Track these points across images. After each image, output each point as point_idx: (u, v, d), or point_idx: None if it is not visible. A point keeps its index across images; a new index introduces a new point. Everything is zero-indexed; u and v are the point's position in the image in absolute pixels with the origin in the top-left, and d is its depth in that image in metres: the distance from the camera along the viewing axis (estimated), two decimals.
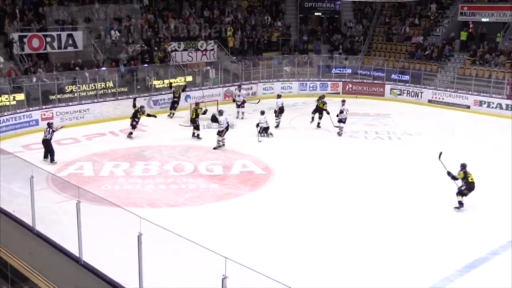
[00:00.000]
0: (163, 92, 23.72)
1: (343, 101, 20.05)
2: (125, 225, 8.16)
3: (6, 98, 19.48)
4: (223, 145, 17.79)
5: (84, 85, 22.02)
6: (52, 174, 13.94)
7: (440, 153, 13.46)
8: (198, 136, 19.07)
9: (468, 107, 24.89)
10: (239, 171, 15.79)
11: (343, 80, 28.39)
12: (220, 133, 17.75)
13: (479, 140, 19.77)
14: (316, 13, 33.49)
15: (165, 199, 13.48)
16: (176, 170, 15.68)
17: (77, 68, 22.69)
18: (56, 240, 8.96)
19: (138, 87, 23.43)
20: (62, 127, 17.63)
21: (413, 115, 23.87)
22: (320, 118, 20.91)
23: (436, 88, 26.39)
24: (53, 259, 8.88)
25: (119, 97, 22.58)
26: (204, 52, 26.76)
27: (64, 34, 23.08)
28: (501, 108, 23.89)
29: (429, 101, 26.20)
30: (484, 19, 27.83)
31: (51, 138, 16.12)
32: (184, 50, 26.25)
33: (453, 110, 24.91)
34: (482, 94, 24.73)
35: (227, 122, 18.06)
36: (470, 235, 11.63)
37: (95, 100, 22.00)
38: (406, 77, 27.26)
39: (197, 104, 19.83)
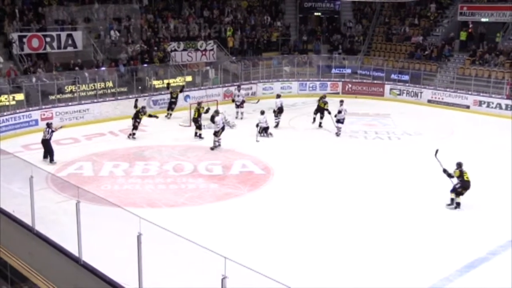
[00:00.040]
0: (162, 92, 23.71)
1: (341, 101, 20.06)
2: (124, 225, 8.16)
3: (6, 98, 19.48)
4: (219, 145, 17.79)
5: (83, 85, 22.03)
6: (51, 174, 13.95)
7: (437, 151, 13.54)
8: (200, 136, 19.07)
9: (468, 107, 24.90)
10: (238, 171, 15.79)
11: (343, 80, 28.39)
12: (216, 134, 17.75)
13: (479, 140, 19.78)
14: (315, 13, 33.49)
15: (165, 199, 13.48)
16: (176, 170, 15.68)
17: (76, 68, 22.69)
18: (55, 240, 8.95)
19: (140, 87, 23.45)
20: (61, 127, 17.64)
21: (413, 115, 23.88)
22: (321, 118, 20.97)
23: (436, 88, 26.39)
24: (53, 259, 8.88)
25: (119, 97, 22.58)
26: (203, 52, 26.75)
27: (63, 34, 23.07)
28: (500, 108, 23.90)
29: (429, 101, 26.20)
30: (483, 19, 27.82)
31: (50, 138, 16.12)
32: (184, 50, 26.25)
33: (452, 110, 24.92)
34: (481, 94, 24.74)
35: (223, 123, 18.11)
36: (469, 235, 11.64)
37: (95, 100, 22.00)
38: (406, 77, 27.27)
39: (199, 103, 19.85)
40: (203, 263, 7.71)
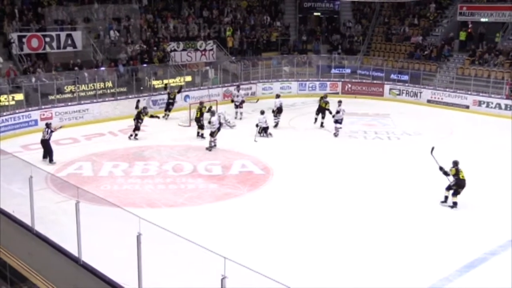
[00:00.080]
0: (162, 92, 23.69)
1: (339, 102, 20.05)
2: (124, 225, 8.15)
3: (5, 98, 19.47)
4: (215, 145, 17.74)
5: (83, 85, 22.02)
6: (51, 174, 13.95)
7: (432, 148, 13.61)
8: (202, 136, 19.06)
9: (467, 107, 24.91)
10: (238, 171, 15.78)
11: (342, 80, 28.40)
12: (212, 134, 17.72)
13: (478, 140, 19.80)
14: (315, 13, 33.50)
15: (164, 199, 13.48)
16: (175, 170, 15.67)
17: (76, 68, 22.68)
18: (55, 240, 8.94)
19: (141, 88, 23.45)
20: (60, 127, 17.66)
21: (412, 115, 23.89)
22: (323, 118, 21.02)
23: (435, 88, 26.40)
24: (52, 259, 8.88)
25: (118, 97, 22.58)
26: (203, 52, 26.76)
27: (63, 34, 23.08)
28: (500, 108, 23.91)
29: (428, 101, 26.21)
30: (483, 19, 27.83)
31: (49, 138, 16.12)
32: (183, 50, 26.26)
33: (452, 110, 24.93)
34: (481, 94, 24.75)
35: (220, 123, 18.11)
36: (469, 235, 11.64)
37: (94, 100, 21.99)
38: (405, 77, 27.27)
39: (201, 103, 19.86)
40: (202, 263, 7.71)
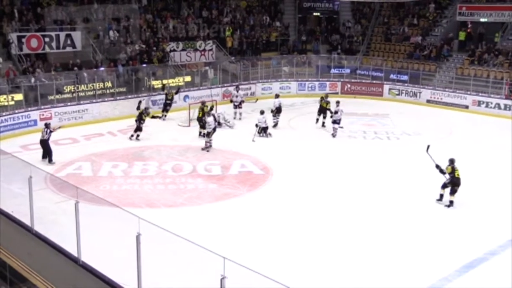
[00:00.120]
0: (161, 92, 23.69)
1: (337, 102, 20.04)
2: (123, 225, 8.16)
3: (5, 98, 19.45)
4: (210, 146, 17.70)
5: (82, 85, 22.00)
6: (50, 174, 13.94)
7: (428, 146, 13.69)
8: (204, 135, 19.02)
9: (467, 107, 24.92)
10: (237, 171, 15.78)
11: (342, 80, 28.40)
12: (208, 134, 17.68)
13: (478, 140, 19.81)
14: (314, 13, 33.51)
15: (164, 199, 13.47)
16: (175, 170, 15.67)
17: (75, 68, 22.67)
18: (54, 241, 8.95)
19: (143, 88, 23.44)
20: (59, 127, 17.66)
21: (412, 115, 23.89)
22: (324, 118, 21.03)
23: (435, 88, 26.40)
24: (52, 259, 8.88)
25: (118, 97, 22.57)
26: (202, 52, 26.77)
27: (62, 34, 23.06)
28: (499, 108, 23.92)
29: (428, 101, 26.22)
30: (482, 19, 27.85)
31: (48, 139, 16.12)
32: (183, 50, 26.26)
33: (451, 110, 24.94)
34: (480, 94, 24.77)
35: (218, 123, 18.10)
36: (468, 235, 11.64)
37: (94, 100, 21.98)
38: (405, 77, 27.28)
39: (203, 103, 19.86)
40: (202, 263, 7.72)
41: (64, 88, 21.51)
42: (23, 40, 21.97)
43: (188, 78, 25.34)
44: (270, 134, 19.68)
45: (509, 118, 22.41)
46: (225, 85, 26.11)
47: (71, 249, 8.43)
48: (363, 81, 28.27)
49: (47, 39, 22.55)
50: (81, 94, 21.89)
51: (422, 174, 15.06)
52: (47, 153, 16.09)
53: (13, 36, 21.86)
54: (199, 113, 19.33)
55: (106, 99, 22.35)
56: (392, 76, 27.73)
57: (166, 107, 22.54)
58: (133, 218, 7.47)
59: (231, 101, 23.16)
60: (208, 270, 6.75)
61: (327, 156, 17.47)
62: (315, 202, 13.39)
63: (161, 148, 17.89)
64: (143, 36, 26.16)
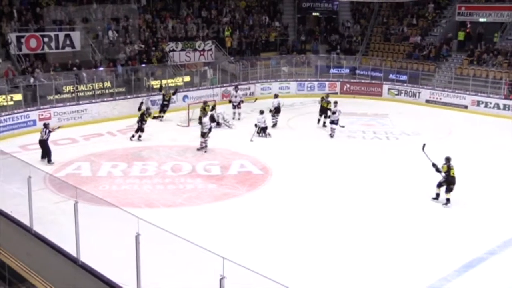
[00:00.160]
0: (159, 93, 23.63)
1: (335, 103, 20.02)
2: (122, 226, 8.15)
3: (4, 99, 19.44)
4: (206, 146, 17.64)
5: (81, 85, 21.99)
6: (49, 175, 13.93)
7: (424, 145, 13.72)
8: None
9: (466, 107, 24.93)
10: (237, 171, 15.78)
11: (341, 80, 28.41)
12: (204, 135, 17.65)
13: (477, 140, 19.81)
14: (314, 13, 33.52)
15: (163, 199, 13.47)
16: (174, 171, 15.66)
17: (74, 68, 22.65)
18: (53, 241, 8.95)
19: (145, 88, 23.40)
20: (58, 127, 17.65)
21: (411, 115, 23.90)
22: (325, 118, 21.03)
23: (434, 88, 26.41)
24: (51, 259, 8.87)
25: (117, 97, 22.56)
26: (201, 52, 26.77)
27: (61, 34, 23.06)
28: (498, 108, 23.93)
29: (427, 101, 26.22)
30: (481, 19, 27.89)
31: (47, 139, 16.11)
32: (182, 50, 26.25)
33: (450, 110, 24.95)
34: (479, 94, 24.78)
35: (217, 123, 18.08)
36: (467, 235, 11.65)
37: (93, 100, 21.97)
38: (404, 77, 27.29)
39: (205, 102, 19.84)
40: (201, 263, 7.72)
41: (63, 88, 21.50)
42: (22, 40, 21.95)
43: (187, 78, 25.33)
44: (269, 134, 19.67)
45: (508, 118, 22.43)
46: (224, 85, 26.10)
47: (70, 249, 8.43)
48: (362, 81, 28.27)
49: (46, 39, 22.54)
50: (80, 94, 21.88)
51: (421, 174, 15.04)
52: (46, 153, 16.08)
53: (12, 36, 21.85)
54: (201, 113, 19.29)
55: (105, 99, 22.33)
56: (391, 76, 27.74)
57: (164, 108, 22.45)
58: (132, 218, 7.47)
59: (230, 101, 23.15)
60: (207, 270, 6.75)
61: (326, 156, 17.47)
62: (314, 202, 13.39)
63: (160, 148, 17.89)
64: (142, 36, 26.15)
